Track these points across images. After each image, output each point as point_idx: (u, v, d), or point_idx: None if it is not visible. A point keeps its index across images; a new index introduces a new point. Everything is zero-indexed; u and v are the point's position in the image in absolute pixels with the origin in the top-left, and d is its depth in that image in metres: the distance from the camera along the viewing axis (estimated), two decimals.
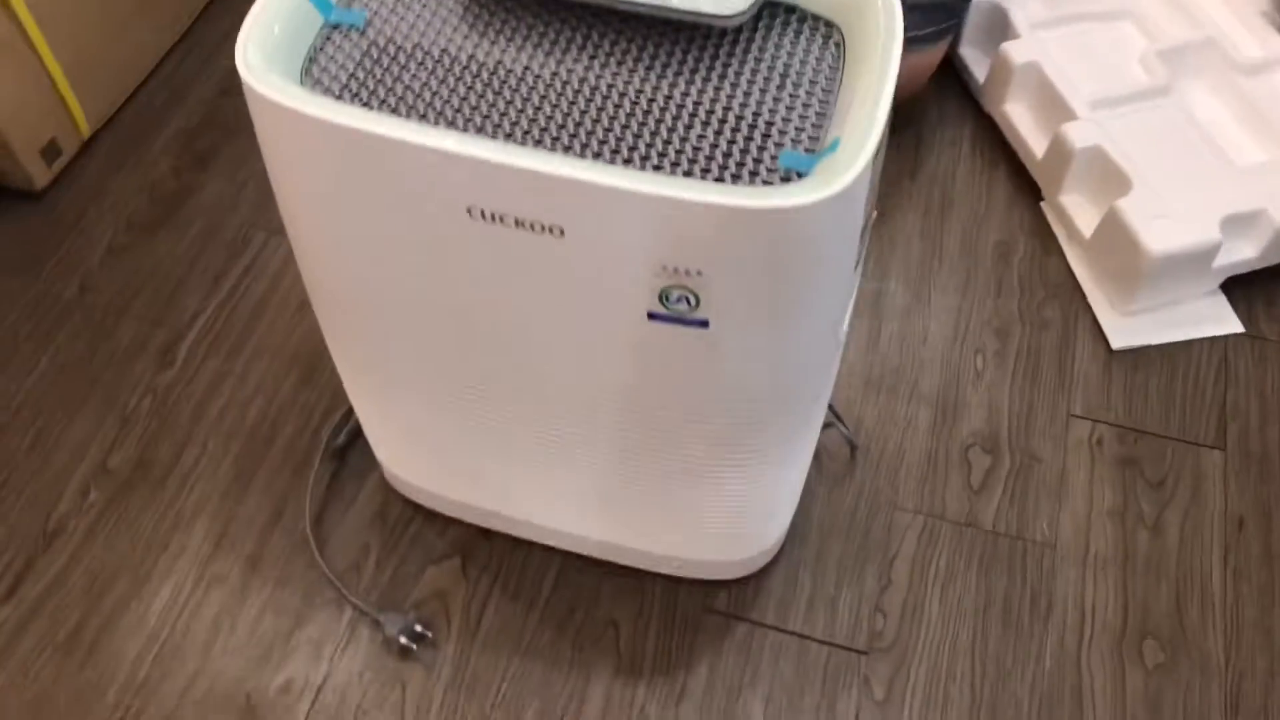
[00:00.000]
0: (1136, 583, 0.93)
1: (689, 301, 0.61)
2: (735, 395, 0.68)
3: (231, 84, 1.28)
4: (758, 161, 0.60)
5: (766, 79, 0.63)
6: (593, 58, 0.64)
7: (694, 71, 0.63)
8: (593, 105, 0.61)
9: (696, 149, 0.60)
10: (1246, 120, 1.14)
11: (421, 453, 0.87)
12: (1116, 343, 1.06)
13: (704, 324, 0.62)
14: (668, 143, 0.60)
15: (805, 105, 0.62)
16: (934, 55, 1.16)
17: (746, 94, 0.62)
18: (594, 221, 0.58)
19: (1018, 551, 0.94)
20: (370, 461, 0.98)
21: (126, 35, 1.23)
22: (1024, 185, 1.19)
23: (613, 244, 0.59)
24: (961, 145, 1.23)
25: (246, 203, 1.17)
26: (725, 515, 0.82)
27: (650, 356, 0.65)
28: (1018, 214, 1.17)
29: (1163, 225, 1.02)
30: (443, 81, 0.63)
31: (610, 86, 0.62)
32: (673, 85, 0.62)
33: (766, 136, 0.60)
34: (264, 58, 0.61)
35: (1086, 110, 1.11)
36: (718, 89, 0.62)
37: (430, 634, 0.89)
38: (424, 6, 0.66)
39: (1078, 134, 1.09)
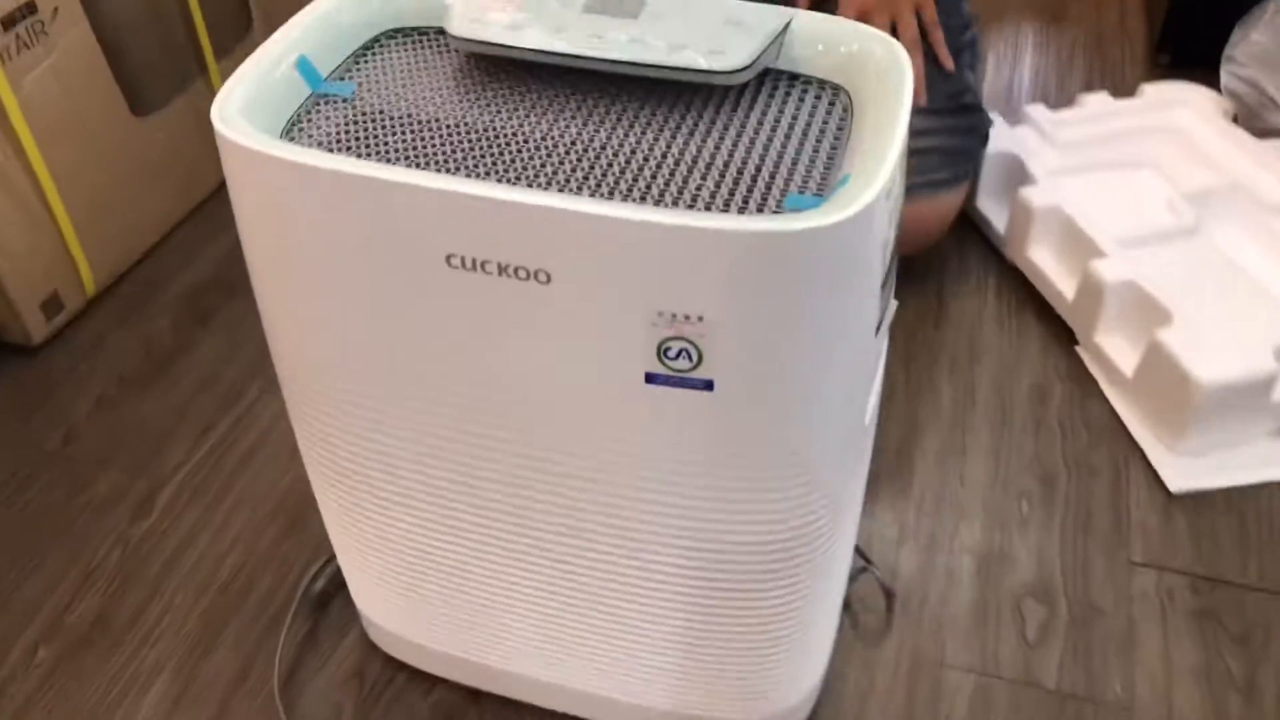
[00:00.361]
0: None
1: (690, 356, 0.54)
2: (749, 481, 0.59)
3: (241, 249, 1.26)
4: (761, 206, 0.54)
5: (771, 134, 0.58)
6: (587, 119, 0.60)
7: (693, 130, 0.59)
8: (585, 160, 0.57)
9: (695, 194, 0.55)
10: None
11: (404, 591, 0.78)
12: (1175, 486, 0.96)
13: (708, 386, 0.55)
14: (664, 189, 0.55)
15: (812, 156, 0.57)
16: (954, 200, 1.14)
17: (749, 147, 0.58)
18: (582, 261, 0.52)
19: (1088, 715, 0.81)
20: (350, 616, 0.88)
21: (142, 200, 1.23)
22: (1056, 331, 1.13)
23: (603, 288, 0.53)
24: (986, 295, 1.18)
25: (244, 357, 1.13)
26: (743, 656, 0.71)
27: (651, 434, 0.58)
28: (1051, 359, 1.10)
29: (1211, 355, 0.95)
30: (428, 142, 0.59)
31: (604, 144, 0.58)
32: (670, 142, 0.58)
33: (770, 184, 0.56)
34: (241, 115, 0.58)
35: (1115, 248, 1.07)
36: (718, 144, 0.58)
37: None
38: (415, 79, 0.64)
39: (1108, 269, 1.04)
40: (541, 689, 0.80)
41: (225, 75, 1.31)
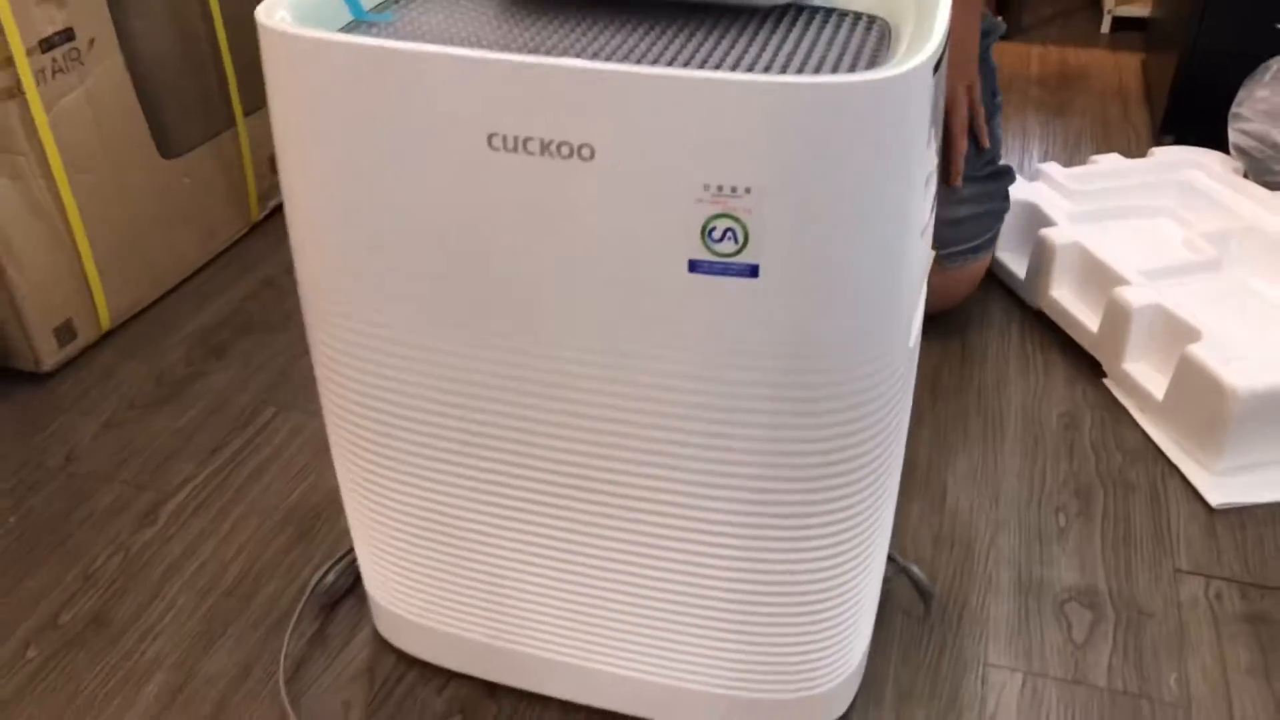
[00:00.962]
0: None
1: (735, 237, 0.53)
2: (795, 389, 0.57)
3: (259, 290, 1.27)
4: None
5: (811, 48, 0.59)
6: (628, 37, 0.61)
7: (734, 44, 0.59)
8: (629, 60, 0.57)
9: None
10: None
11: (422, 568, 0.74)
12: (1215, 500, 0.93)
13: (753, 272, 0.54)
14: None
15: (855, 59, 0.57)
16: (986, 261, 1.15)
17: (791, 55, 0.58)
18: (627, 130, 0.52)
19: (1144, 712, 0.76)
20: (360, 615, 0.84)
21: (164, 240, 1.23)
22: (1083, 365, 1.11)
23: (648, 160, 0.52)
24: (1010, 337, 1.17)
25: (257, 385, 1.11)
26: (784, 621, 0.67)
27: (694, 333, 0.56)
28: (1079, 390, 1.08)
29: (1243, 366, 0.93)
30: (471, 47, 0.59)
31: (645, 54, 0.59)
32: (712, 52, 0.58)
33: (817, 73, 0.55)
34: (289, 17, 0.58)
35: (1138, 278, 1.07)
36: (760, 53, 0.58)
37: None
38: (456, 12, 0.65)
39: (1134, 295, 1.03)
40: (567, 674, 0.75)
41: (253, 131, 1.34)
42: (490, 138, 0.54)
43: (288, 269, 1.31)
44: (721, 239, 0.53)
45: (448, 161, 0.55)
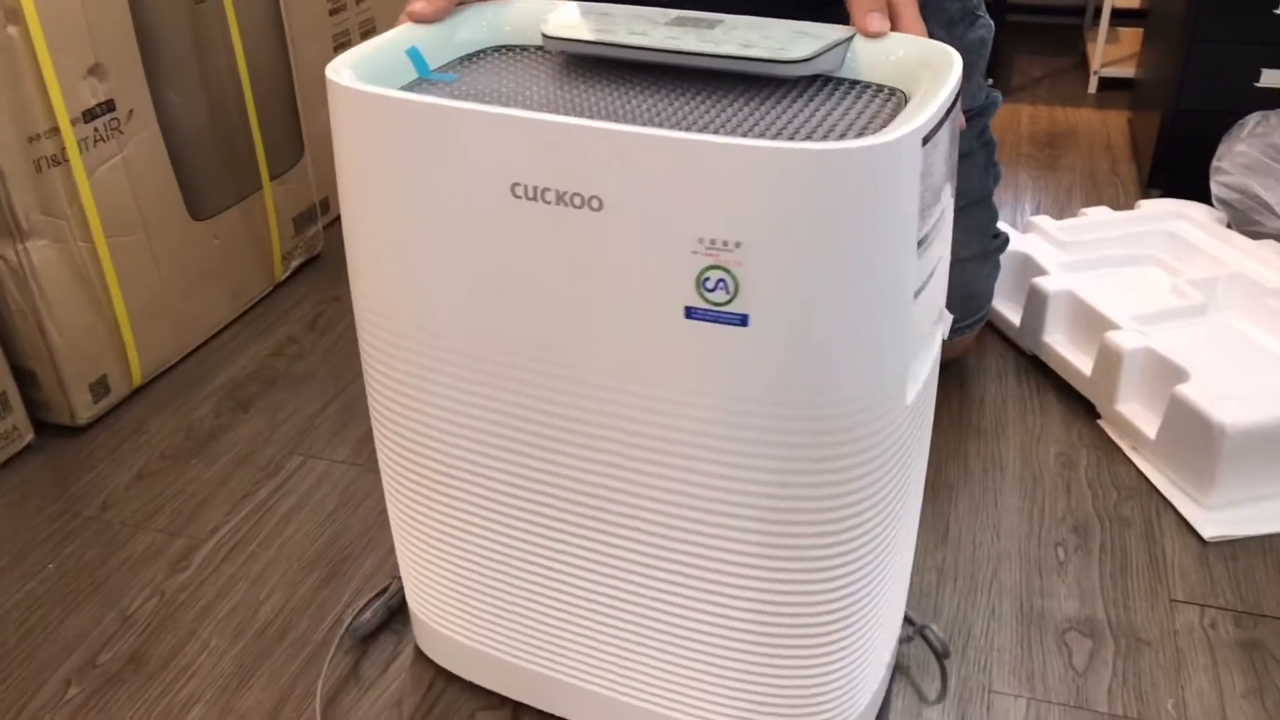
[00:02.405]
0: None
1: (727, 287, 0.57)
2: (780, 435, 0.61)
3: (283, 346, 1.32)
4: None
5: (827, 116, 0.63)
6: (660, 99, 0.65)
7: (756, 109, 0.63)
8: (653, 119, 0.62)
9: (745, 135, 0.60)
10: None
11: (453, 583, 0.78)
12: (1208, 533, 0.97)
13: (744, 321, 0.58)
14: (718, 132, 0.60)
15: (864, 128, 0.62)
16: (979, 328, 1.20)
17: (805, 121, 0.62)
18: (630, 185, 0.56)
19: None
20: (394, 651, 0.87)
21: (193, 300, 1.29)
22: (1077, 407, 1.16)
23: (649, 213, 0.57)
24: (1006, 380, 1.21)
25: (284, 435, 1.15)
26: (800, 659, 0.71)
27: (690, 375, 0.60)
28: (1075, 430, 1.12)
29: (1231, 404, 0.98)
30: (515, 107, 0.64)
31: (666, 116, 0.63)
32: (734, 114, 0.63)
33: (825, 139, 0.60)
34: (353, 74, 0.64)
35: (1128, 322, 1.11)
36: (777, 118, 0.63)
37: None
38: (513, 75, 0.69)
39: (1125, 339, 1.08)
40: (587, 701, 0.78)
41: (277, 196, 1.40)
42: (513, 187, 0.59)
43: (310, 325, 1.36)
44: (714, 289, 0.58)
45: (477, 207, 0.60)
